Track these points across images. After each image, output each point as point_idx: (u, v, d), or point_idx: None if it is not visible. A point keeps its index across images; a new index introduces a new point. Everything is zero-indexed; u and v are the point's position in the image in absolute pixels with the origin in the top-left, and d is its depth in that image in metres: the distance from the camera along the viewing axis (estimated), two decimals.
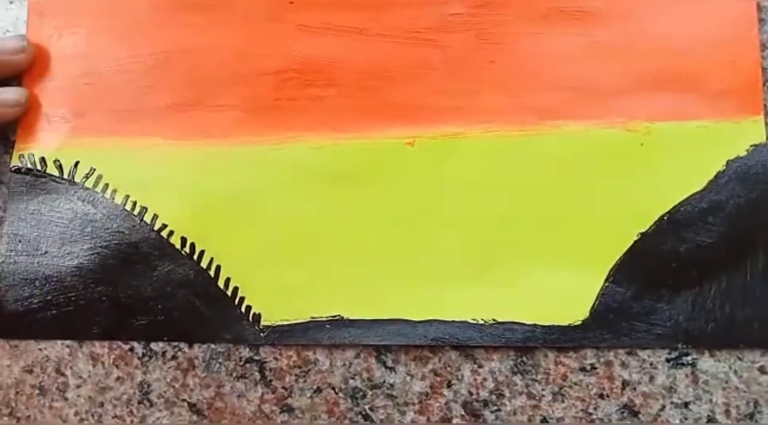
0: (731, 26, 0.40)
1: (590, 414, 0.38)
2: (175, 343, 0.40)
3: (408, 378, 0.39)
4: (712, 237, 0.38)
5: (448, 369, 0.39)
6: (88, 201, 0.41)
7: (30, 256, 0.41)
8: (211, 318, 0.40)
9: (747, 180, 0.38)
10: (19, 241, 0.41)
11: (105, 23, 0.43)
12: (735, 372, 0.38)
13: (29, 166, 0.42)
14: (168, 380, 0.40)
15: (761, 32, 0.40)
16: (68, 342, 0.41)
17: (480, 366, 0.39)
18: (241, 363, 0.40)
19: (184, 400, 0.40)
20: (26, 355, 0.41)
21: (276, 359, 0.40)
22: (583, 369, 0.38)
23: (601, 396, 0.38)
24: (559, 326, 0.38)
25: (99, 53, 0.43)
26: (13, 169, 0.42)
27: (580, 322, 0.38)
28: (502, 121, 0.40)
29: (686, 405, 0.38)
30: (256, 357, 0.40)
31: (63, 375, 0.41)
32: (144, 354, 0.40)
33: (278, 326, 0.40)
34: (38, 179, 0.42)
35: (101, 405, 0.40)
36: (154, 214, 0.41)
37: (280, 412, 0.39)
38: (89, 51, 0.43)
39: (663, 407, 0.38)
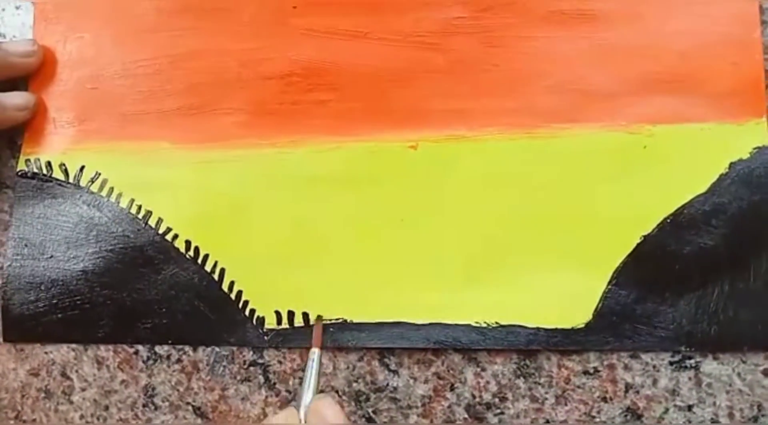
0: (734, 28, 0.40)
1: (593, 417, 0.38)
2: (180, 346, 0.41)
3: (411, 381, 0.39)
4: (715, 240, 0.38)
5: (451, 372, 0.39)
6: (93, 205, 0.42)
7: (36, 260, 0.41)
8: (215, 321, 0.40)
9: (750, 182, 0.38)
10: (26, 245, 0.42)
11: (110, 28, 0.43)
12: (738, 374, 0.37)
13: (35, 170, 0.42)
14: (172, 383, 0.40)
15: (764, 34, 0.40)
16: (74, 345, 0.41)
17: (483, 370, 0.39)
18: (245, 366, 0.40)
19: (188, 403, 0.40)
20: (32, 359, 0.41)
21: (280, 362, 0.40)
22: (586, 372, 0.38)
23: (604, 399, 0.38)
24: (562, 329, 0.38)
25: (104, 58, 0.43)
26: (19, 174, 0.43)
27: (583, 325, 0.38)
28: (504, 125, 0.40)
29: (690, 408, 0.38)
30: (260, 360, 0.40)
31: (68, 378, 0.41)
32: (149, 358, 0.41)
33: (282, 329, 0.40)
34: (44, 183, 0.42)
35: (106, 408, 0.41)
36: (159, 218, 0.41)
37: None
38: (95, 55, 0.43)
39: (666, 410, 0.38)
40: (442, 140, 0.40)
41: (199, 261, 0.41)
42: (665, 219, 0.38)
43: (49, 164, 0.42)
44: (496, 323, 0.38)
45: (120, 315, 0.41)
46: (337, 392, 0.39)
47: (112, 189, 0.42)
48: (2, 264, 0.42)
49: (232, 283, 0.40)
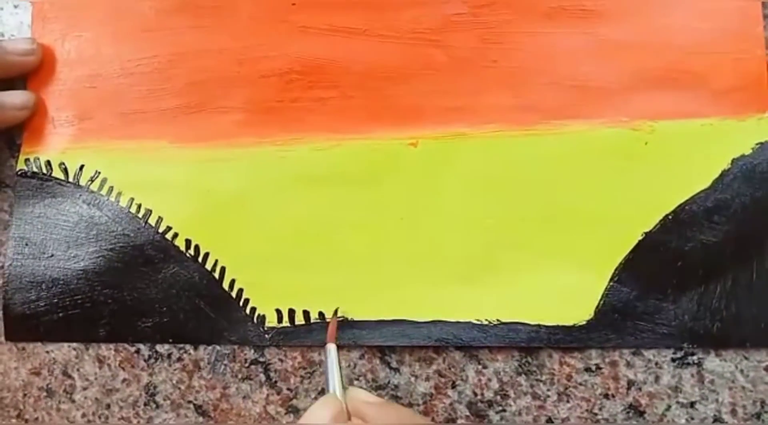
0: (736, 24, 0.39)
1: (595, 414, 0.38)
2: (181, 345, 0.41)
3: (412, 378, 0.39)
4: (718, 236, 0.38)
5: (453, 369, 0.39)
6: (93, 204, 0.42)
7: (36, 259, 0.41)
8: (216, 319, 0.40)
9: (753, 178, 0.38)
10: (26, 245, 0.42)
11: (108, 27, 0.43)
12: (741, 371, 0.37)
13: (35, 169, 0.42)
14: (174, 381, 0.40)
15: (766, 30, 0.39)
16: (75, 344, 0.41)
17: (484, 367, 0.39)
18: (246, 364, 0.40)
19: (190, 402, 0.40)
20: (33, 358, 0.41)
21: (281, 360, 0.40)
22: (588, 370, 0.38)
23: (606, 396, 0.38)
24: (563, 326, 0.38)
25: (103, 57, 0.43)
26: (19, 173, 0.42)
27: (584, 322, 0.38)
28: (505, 121, 0.40)
29: (692, 404, 0.37)
30: (261, 359, 0.40)
31: (70, 377, 0.41)
32: (150, 356, 0.41)
33: (283, 327, 0.40)
34: (44, 183, 0.42)
35: (108, 406, 0.41)
36: (159, 217, 0.41)
37: (286, 413, 0.40)
38: (93, 54, 0.43)
39: (669, 407, 0.38)
40: (442, 137, 0.40)
41: (200, 259, 0.41)
42: (667, 215, 0.38)
43: (48, 163, 0.42)
44: (498, 320, 0.38)
45: (121, 314, 0.41)
46: None
47: (111, 188, 0.42)
48: (3, 263, 0.42)
49: (232, 282, 0.40)
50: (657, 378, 0.38)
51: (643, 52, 0.40)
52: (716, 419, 0.37)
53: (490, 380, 0.39)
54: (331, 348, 0.35)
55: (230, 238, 0.41)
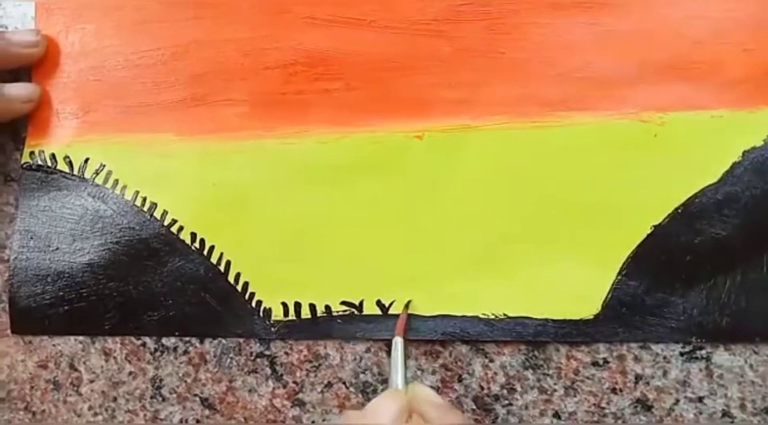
0: (746, 14, 0.38)
1: (603, 408, 0.38)
2: (187, 338, 0.41)
3: (419, 372, 0.39)
4: (727, 230, 0.37)
5: (459, 363, 0.39)
6: (98, 197, 0.42)
7: (42, 253, 0.41)
8: (222, 313, 0.40)
9: (764, 171, 0.37)
10: (31, 238, 0.42)
11: (112, 19, 0.43)
12: (750, 366, 0.37)
13: (40, 162, 0.42)
14: (180, 375, 0.40)
15: None
16: (81, 337, 0.41)
17: (491, 361, 0.39)
18: (252, 357, 0.40)
19: (196, 395, 0.40)
20: (40, 351, 0.41)
21: (287, 354, 0.40)
22: (595, 364, 0.38)
23: (613, 390, 0.38)
24: (570, 320, 0.38)
25: (107, 49, 0.42)
26: (24, 166, 0.42)
27: (592, 316, 0.38)
28: (512, 113, 0.39)
29: (701, 399, 0.37)
30: (267, 352, 0.40)
31: (76, 370, 0.41)
32: (156, 350, 0.41)
33: (289, 321, 0.40)
34: (49, 176, 0.42)
35: (114, 399, 0.41)
36: (164, 210, 0.41)
37: (291, 406, 0.40)
38: (97, 47, 0.43)
39: (677, 401, 0.37)
40: (448, 129, 0.40)
41: (205, 252, 0.40)
42: (676, 208, 0.38)
43: (53, 156, 0.42)
44: (504, 314, 0.38)
45: (126, 307, 0.41)
46: (344, 383, 0.39)
47: (116, 181, 0.42)
48: (8, 256, 0.42)
49: (238, 275, 0.40)
50: (665, 373, 0.37)
51: (652, 43, 0.39)
52: (725, 414, 0.37)
53: (496, 374, 0.38)
54: (398, 341, 0.36)
55: (235, 231, 0.41)
